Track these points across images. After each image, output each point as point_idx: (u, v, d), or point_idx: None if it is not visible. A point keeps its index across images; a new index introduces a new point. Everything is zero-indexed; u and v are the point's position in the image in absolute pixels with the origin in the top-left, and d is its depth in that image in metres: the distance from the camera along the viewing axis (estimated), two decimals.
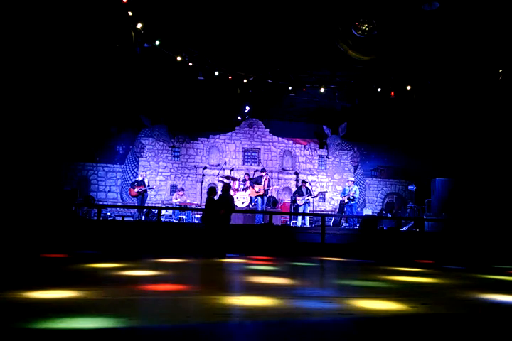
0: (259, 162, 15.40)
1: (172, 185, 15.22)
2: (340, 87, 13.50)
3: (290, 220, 12.84)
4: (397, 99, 12.83)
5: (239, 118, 15.82)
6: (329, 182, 16.45)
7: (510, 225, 9.74)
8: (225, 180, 13.00)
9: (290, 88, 13.49)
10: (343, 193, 12.19)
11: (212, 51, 12.07)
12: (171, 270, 5.95)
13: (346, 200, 11.93)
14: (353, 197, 11.84)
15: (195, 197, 15.18)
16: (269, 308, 3.44)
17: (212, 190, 8.62)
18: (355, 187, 12.16)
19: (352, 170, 16.64)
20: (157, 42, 10.76)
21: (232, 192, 12.28)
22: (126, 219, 12.18)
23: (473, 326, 3.02)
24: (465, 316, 3.37)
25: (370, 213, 14.35)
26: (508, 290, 4.91)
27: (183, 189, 13.47)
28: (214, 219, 8.09)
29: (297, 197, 12.31)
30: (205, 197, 15.39)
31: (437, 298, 4.15)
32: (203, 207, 13.94)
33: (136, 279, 4.82)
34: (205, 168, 15.52)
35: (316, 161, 16.56)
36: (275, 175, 15.78)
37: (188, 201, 13.23)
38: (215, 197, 8.51)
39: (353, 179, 13.14)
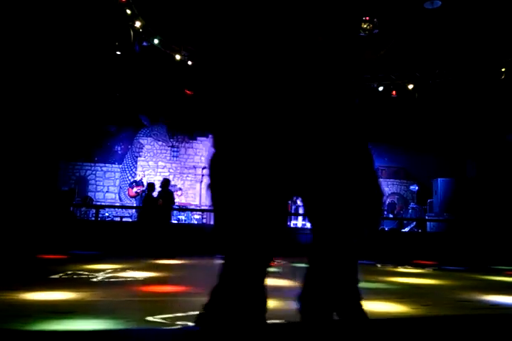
0: None
1: (171, 185, 15.17)
2: None
3: (290, 221, 12.81)
4: (398, 99, 12.82)
5: None
6: None
7: (509, 226, 9.71)
8: None
9: None
10: None
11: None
12: (171, 271, 5.91)
13: None
14: None
15: (195, 197, 15.14)
16: (270, 309, 3.38)
17: (151, 186, 8.47)
18: None
19: None
20: (156, 41, 10.73)
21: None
22: (124, 219, 12.13)
23: (474, 327, 2.99)
24: (467, 318, 3.34)
25: None
26: (507, 291, 4.89)
27: (181, 189, 13.44)
28: (153, 216, 7.92)
29: (298, 198, 12.27)
30: (204, 197, 15.41)
31: (439, 300, 4.13)
32: (203, 207, 13.94)
33: (135, 280, 4.78)
34: (204, 167, 15.47)
35: None
36: None
37: (183, 201, 13.18)
38: (154, 194, 8.38)
39: None
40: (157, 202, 8.00)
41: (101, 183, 14.94)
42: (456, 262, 8.40)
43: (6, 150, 10.29)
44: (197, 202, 14.60)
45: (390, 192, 16.72)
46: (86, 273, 5.15)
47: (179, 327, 2.77)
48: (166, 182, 8.58)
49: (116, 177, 15.06)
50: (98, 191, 14.88)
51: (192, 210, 12.67)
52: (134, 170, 14.93)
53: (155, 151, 15.28)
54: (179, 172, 15.39)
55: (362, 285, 5.52)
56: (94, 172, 14.89)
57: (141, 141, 15.23)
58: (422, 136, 14.71)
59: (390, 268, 7.14)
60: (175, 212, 12.58)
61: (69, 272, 5.09)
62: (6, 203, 8.87)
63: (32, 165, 10.95)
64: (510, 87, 11.15)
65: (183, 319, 2.90)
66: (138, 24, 9.90)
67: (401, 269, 7.00)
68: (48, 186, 11.25)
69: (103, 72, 12.17)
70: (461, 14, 8.29)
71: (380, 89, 12.94)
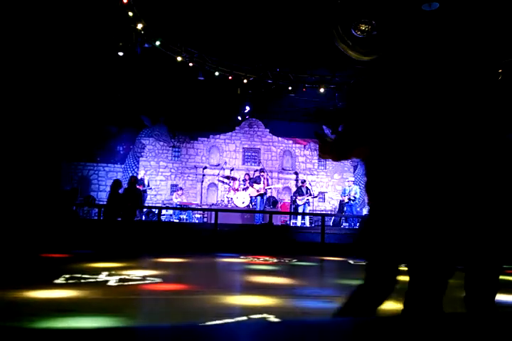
0: (259, 162, 15.44)
1: (172, 185, 15.26)
2: (340, 87, 13.52)
3: (290, 220, 12.87)
4: None
5: (239, 118, 15.84)
6: (329, 182, 16.47)
7: (509, 224, 9.74)
8: (225, 180, 13.04)
9: (290, 88, 13.51)
10: (343, 193, 12.23)
11: (212, 51, 12.10)
12: (172, 269, 5.97)
13: (346, 200, 11.97)
14: (354, 197, 11.89)
15: (196, 197, 15.22)
16: (269, 308, 3.46)
17: (117, 183, 8.25)
18: (356, 187, 12.20)
19: (352, 169, 16.67)
20: (157, 43, 10.80)
21: (233, 192, 12.32)
22: None
23: (472, 325, 3.04)
24: (465, 315, 3.39)
25: None
26: (507, 289, 4.93)
27: (181, 189, 13.51)
28: (119, 213, 7.76)
29: (297, 197, 12.34)
30: (205, 196, 15.49)
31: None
32: (203, 206, 14.01)
33: (137, 278, 4.84)
34: (205, 167, 15.54)
35: (316, 161, 16.58)
36: (275, 175, 15.81)
37: (185, 200, 13.25)
38: (120, 191, 8.19)
39: (353, 179, 13.18)
40: (123, 200, 7.83)
41: (103, 183, 15.03)
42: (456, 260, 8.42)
43: (10, 151, 10.36)
44: (198, 202, 14.67)
45: None
46: (89, 271, 5.22)
47: (179, 324, 2.82)
48: (132, 180, 8.33)
49: (119, 177, 15.13)
50: (101, 191, 14.97)
51: (193, 209, 12.75)
52: (136, 170, 15.01)
53: (156, 151, 15.36)
54: (180, 172, 15.46)
55: (361, 283, 5.55)
56: (96, 172, 14.98)
57: (142, 141, 15.31)
58: None
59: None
60: (176, 211, 12.67)
61: (72, 271, 5.15)
62: (10, 203, 8.94)
63: (35, 165, 11.02)
64: (509, 87, 11.17)
65: None
66: (140, 26, 9.96)
67: (399, 267, 7.03)
68: (50, 186, 11.33)
69: (105, 73, 12.24)
70: (459, 15, 8.32)
71: None
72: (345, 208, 12.14)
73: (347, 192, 11.98)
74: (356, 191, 12.08)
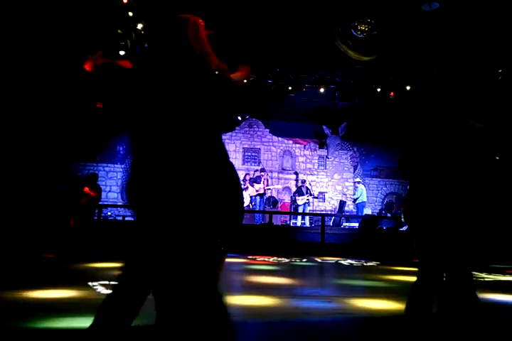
0: (259, 162, 15.42)
1: None
2: (340, 87, 13.52)
3: (290, 220, 12.87)
4: (396, 99, 12.85)
5: (239, 118, 15.83)
6: (329, 182, 16.46)
7: (509, 224, 9.76)
8: None
9: (290, 88, 13.51)
10: (354, 194, 12.47)
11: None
12: None
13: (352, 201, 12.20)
14: (352, 198, 12.00)
15: None
16: (269, 308, 3.46)
17: (75, 180, 8.03)
18: (358, 186, 12.29)
19: (352, 170, 16.66)
20: None
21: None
22: (126, 219, 12.19)
23: (472, 326, 3.04)
24: (464, 315, 3.39)
25: (370, 213, 14.38)
26: (506, 289, 4.93)
27: None
28: (77, 211, 7.56)
29: (297, 197, 12.35)
30: None
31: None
32: None
33: None
34: None
35: (316, 161, 16.58)
36: (275, 175, 15.80)
37: None
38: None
39: (358, 179, 13.25)
40: (79, 199, 7.61)
41: (103, 183, 15.00)
42: None
43: (10, 151, 10.36)
44: None
45: (388, 192, 16.78)
46: (89, 271, 5.22)
47: None
48: (92, 177, 8.12)
49: (119, 177, 15.13)
50: None
51: None
52: None
53: None
54: None
55: (361, 283, 5.58)
56: (96, 172, 14.93)
57: None
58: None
59: (389, 267, 7.20)
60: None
61: (72, 271, 5.15)
62: (11, 203, 8.94)
63: (35, 165, 11.01)
64: (509, 88, 11.17)
65: None
66: (140, 26, 9.96)
67: (399, 267, 7.05)
68: (50, 186, 11.33)
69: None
70: (459, 15, 8.33)
71: (379, 90, 12.99)
72: (345, 208, 12.22)
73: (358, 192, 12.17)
74: (357, 190, 12.15)
